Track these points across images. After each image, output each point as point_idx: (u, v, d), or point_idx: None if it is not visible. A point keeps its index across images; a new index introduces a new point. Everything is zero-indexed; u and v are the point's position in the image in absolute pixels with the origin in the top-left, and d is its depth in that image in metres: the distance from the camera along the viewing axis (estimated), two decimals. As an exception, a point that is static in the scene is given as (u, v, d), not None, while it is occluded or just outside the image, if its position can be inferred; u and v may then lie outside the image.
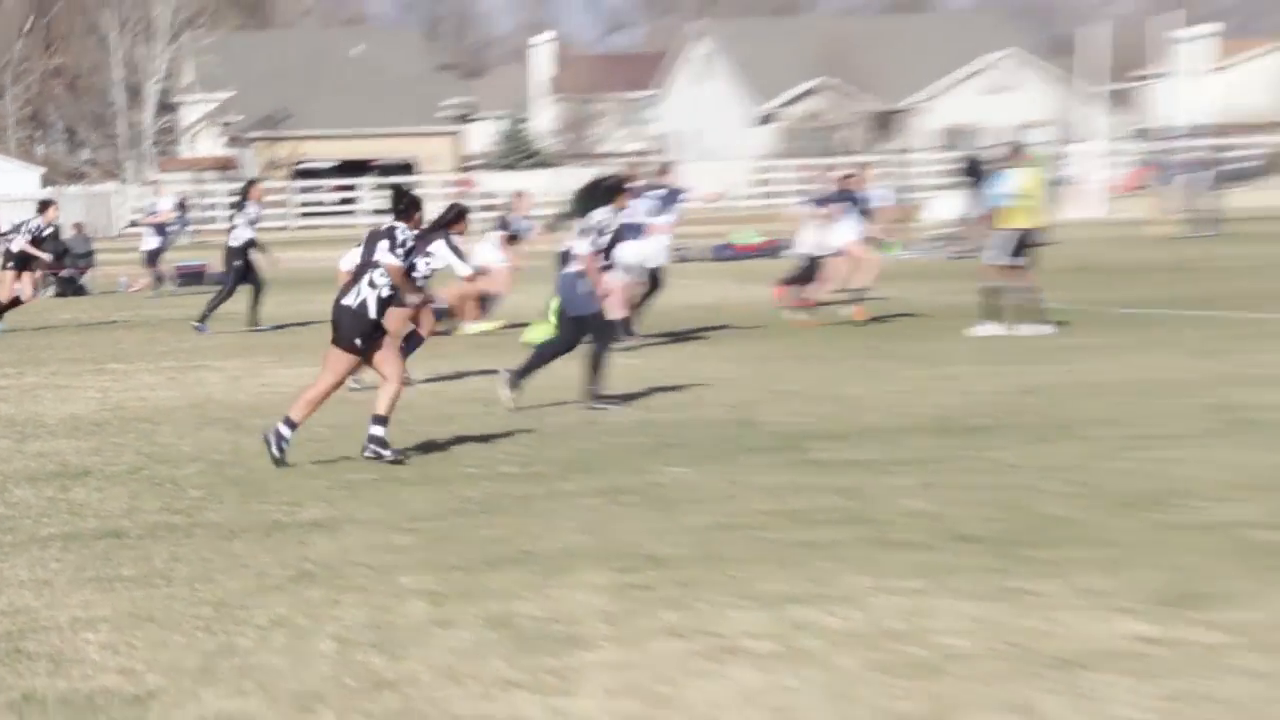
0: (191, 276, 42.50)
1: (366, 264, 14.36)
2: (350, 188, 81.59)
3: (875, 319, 26.50)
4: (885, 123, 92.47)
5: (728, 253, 47.69)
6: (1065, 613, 8.91)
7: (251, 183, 30.48)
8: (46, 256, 32.24)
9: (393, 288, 14.31)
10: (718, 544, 10.79)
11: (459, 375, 20.57)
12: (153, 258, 40.44)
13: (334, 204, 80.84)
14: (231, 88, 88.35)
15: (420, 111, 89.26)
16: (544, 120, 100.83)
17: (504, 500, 12.57)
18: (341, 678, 8.16)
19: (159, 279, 40.06)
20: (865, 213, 27.17)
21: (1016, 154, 25.91)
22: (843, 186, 27.30)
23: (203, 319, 28.18)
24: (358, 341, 14.19)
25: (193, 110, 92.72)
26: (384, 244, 14.35)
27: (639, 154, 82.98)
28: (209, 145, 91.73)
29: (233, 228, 28.84)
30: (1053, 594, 9.29)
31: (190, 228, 47.08)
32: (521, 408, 17.25)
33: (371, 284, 14.25)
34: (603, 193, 18.42)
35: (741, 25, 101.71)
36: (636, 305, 24.26)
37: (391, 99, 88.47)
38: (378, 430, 14.20)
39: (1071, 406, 16.73)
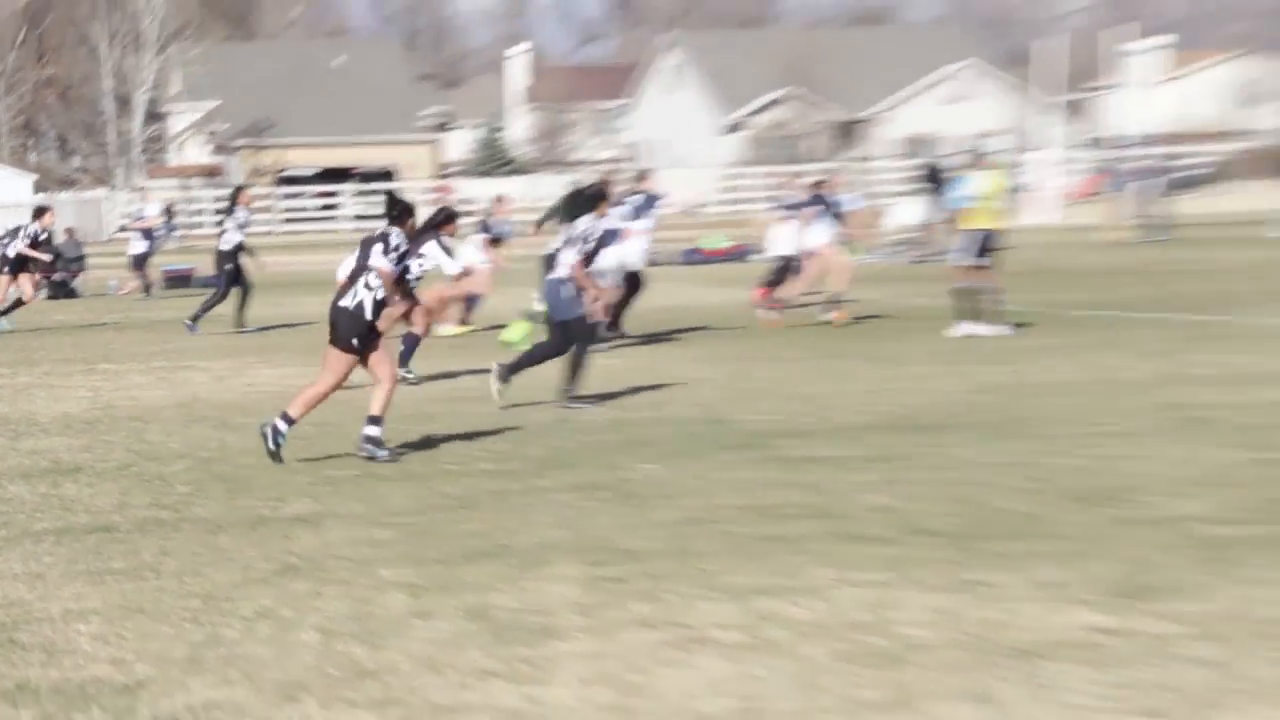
0: (179, 280, 42.71)
1: (362, 267, 14.50)
2: (332, 194, 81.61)
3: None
4: (848, 131, 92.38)
5: (696, 257, 47.61)
6: (1023, 604, 8.99)
7: (240, 188, 30.58)
8: (46, 258, 32.41)
9: (388, 289, 14.57)
10: (687, 538, 10.86)
11: (440, 376, 20.60)
12: (140, 262, 40.52)
13: (317, 209, 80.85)
14: (217, 97, 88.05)
15: (400, 120, 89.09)
16: (519, 129, 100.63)
17: (481, 496, 12.62)
18: (324, 667, 8.24)
19: (147, 286, 40.20)
20: (837, 216, 27.38)
21: (978, 161, 26.16)
22: (814, 191, 27.52)
23: (195, 319, 28.31)
24: (355, 342, 14.32)
25: (180, 119, 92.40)
26: (378, 248, 14.47)
27: (612, 162, 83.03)
28: (196, 153, 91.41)
29: (222, 232, 28.86)
30: (1011, 586, 9.36)
31: (177, 233, 47.06)
32: (503, 406, 17.36)
33: (367, 286, 14.38)
34: (585, 200, 18.68)
35: (710, 37, 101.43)
36: (619, 307, 24.55)
37: (372, 108, 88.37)
38: (372, 430, 14.31)
39: (1029, 405, 16.81)
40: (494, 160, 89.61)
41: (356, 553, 10.78)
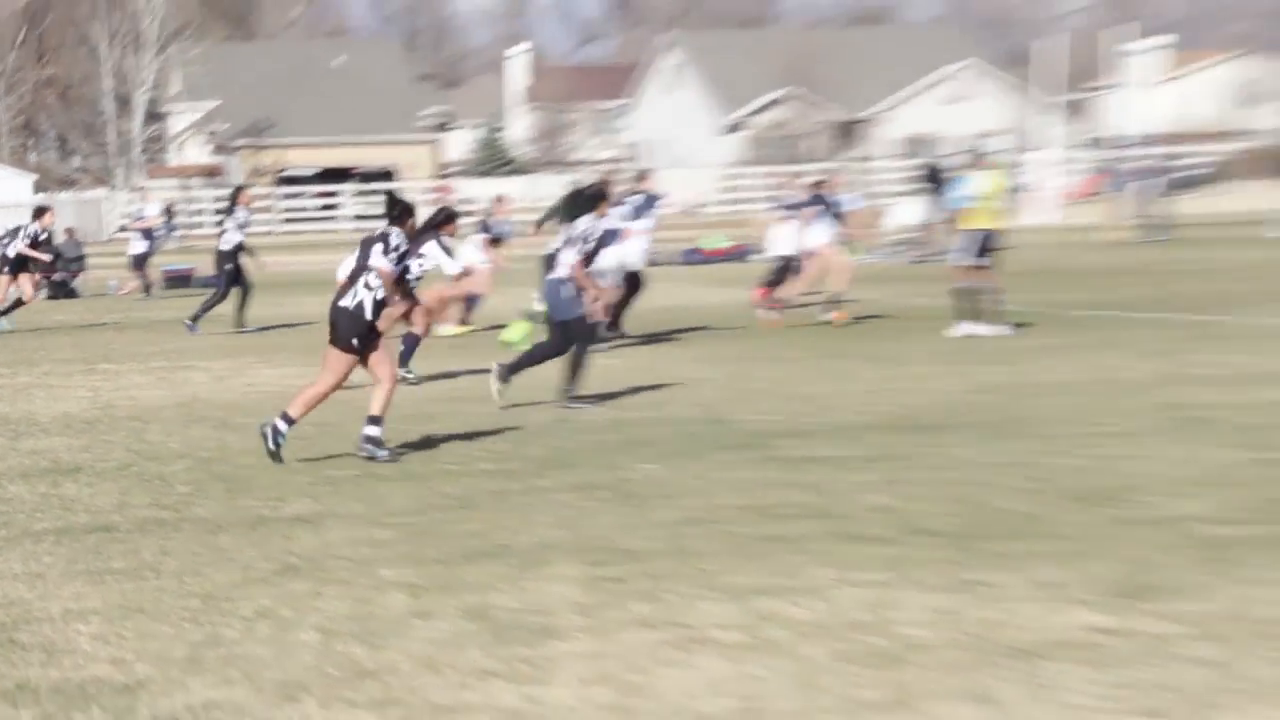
0: (179, 280, 42.74)
1: (362, 267, 14.52)
2: (332, 194, 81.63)
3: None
4: (848, 131, 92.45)
5: (696, 257, 47.68)
6: (1023, 604, 8.99)
7: (240, 188, 30.60)
8: (46, 257, 32.46)
9: (388, 289, 14.59)
10: (687, 538, 10.86)
11: (440, 376, 20.60)
12: (140, 262, 40.56)
13: (317, 209, 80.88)
14: (217, 97, 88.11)
15: (400, 120, 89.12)
16: (519, 129, 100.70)
17: (481, 496, 12.62)
18: (324, 667, 8.25)
19: (147, 286, 40.23)
20: (837, 216, 27.40)
21: (978, 161, 26.18)
22: (815, 191, 27.54)
23: (195, 319, 28.35)
24: (355, 342, 14.34)
25: (180, 119, 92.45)
26: (378, 248, 14.48)
27: (612, 162, 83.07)
28: (196, 153, 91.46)
29: (223, 232, 28.89)
30: (1011, 586, 9.37)
31: (177, 233, 47.09)
32: (503, 406, 17.38)
33: (367, 286, 14.40)
34: (585, 200, 18.70)
35: (710, 37, 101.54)
36: (619, 307, 24.58)
37: (372, 108, 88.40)
38: (372, 430, 14.32)
39: (1029, 405, 16.82)
40: (494, 160, 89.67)
41: (356, 553, 10.79)
